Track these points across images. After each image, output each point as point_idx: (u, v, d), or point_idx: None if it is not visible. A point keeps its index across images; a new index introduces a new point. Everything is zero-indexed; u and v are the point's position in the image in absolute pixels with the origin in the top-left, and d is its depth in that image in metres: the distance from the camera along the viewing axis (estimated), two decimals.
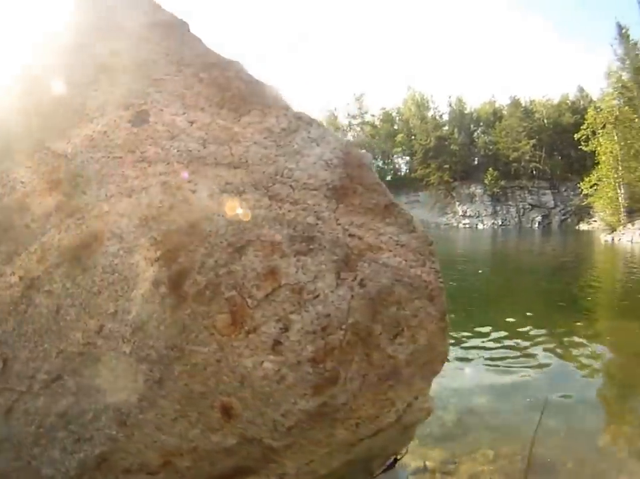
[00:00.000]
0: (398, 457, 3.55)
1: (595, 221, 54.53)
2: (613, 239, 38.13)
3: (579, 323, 10.46)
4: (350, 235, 2.32)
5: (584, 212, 64.00)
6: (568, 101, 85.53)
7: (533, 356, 8.10)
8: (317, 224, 2.29)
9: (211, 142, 2.39)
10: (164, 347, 2.20)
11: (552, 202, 78.34)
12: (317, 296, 2.22)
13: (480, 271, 20.95)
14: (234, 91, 2.58)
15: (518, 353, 8.29)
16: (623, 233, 38.51)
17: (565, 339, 9.09)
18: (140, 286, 2.23)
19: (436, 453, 4.87)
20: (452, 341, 8.42)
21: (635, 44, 52.16)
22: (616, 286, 17.09)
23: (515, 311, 11.69)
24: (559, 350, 8.41)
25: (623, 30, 52.09)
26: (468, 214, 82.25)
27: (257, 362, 2.19)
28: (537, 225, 75.88)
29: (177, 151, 2.36)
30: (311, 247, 2.26)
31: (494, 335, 9.42)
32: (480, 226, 79.16)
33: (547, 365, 7.71)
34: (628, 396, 6.71)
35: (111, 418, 2.25)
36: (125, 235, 2.27)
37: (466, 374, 7.49)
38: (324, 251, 2.26)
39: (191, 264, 2.20)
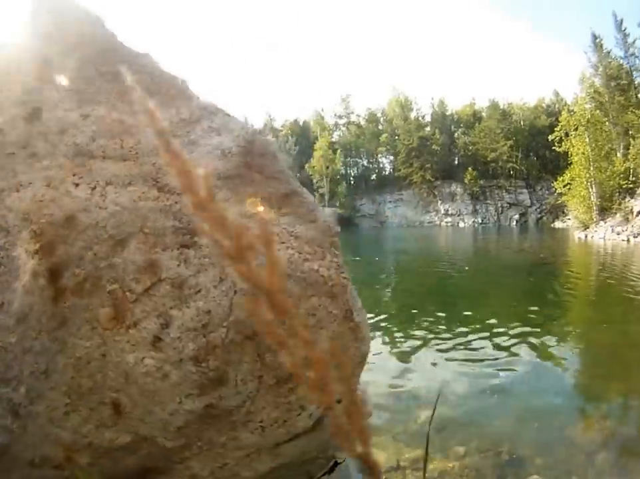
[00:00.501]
0: (339, 461, 3.48)
1: (569, 218, 56.09)
2: (586, 236, 39.40)
3: (554, 318, 10.93)
4: None
5: (559, 210, 65.97)
6: (544, 104, 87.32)
7: (509, 352, 8.28)
8: None
9: (101, 136, 2.31)
10: (47, 339, 2.10)
11: (529, 201, 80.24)
12: (199, 291, 2.13)
13: (466, 268, 21.75)
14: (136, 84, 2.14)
15: (494, 350, 8.46)
16: (595, 230, 40.02)
17: (540, 334, 9.24)
18: (22, 278, 2.13)
19: (408, 451, 4.95)
20: (430, 336, 9.40)
21: (608, 52, 54.52)
22: (589, 281, 17.35)
23: (494, 307, 12.34)
24: (533, 346, 8.56)
25: (597, 40, 54.32)
26: (449, 212, 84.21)
27: (139, 359, 2.10)
28: (514, 223, 77.54)
29: (65, 145, 2.27)
30: (196, 239, 2.16)
31: (472, 331, 9.65)
32: (462, 224, 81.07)
33: (520, 361, 7.85)
34: (599, 389, 6.86)
35: (5, 408, 2.18)
36: (11, 229, 2.19)
37: (441, 371, 7.52)
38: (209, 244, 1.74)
39: (69, 256, 2.10)
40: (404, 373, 7.44)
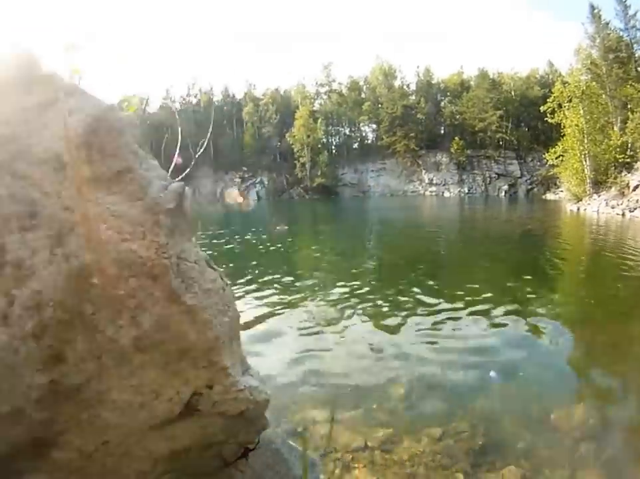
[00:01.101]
0: (250, 447, 3.49)
1: (561, 191, 55.93)
2: (578, 209, 39.21)
3: (542, 291, 10.71)
4: (66, 209, 2.26)
5: (550, 182, 65.61)
6: (537, 75, 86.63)
7: (495, 327, 8.12)
8: (40, 199, 2.23)
9: None
10: None
11: (518, 172, 79.77)
12: (34, 272, 2.19)
13: (452, 238, 21.68)
14: (1, 74, 2.48)
15: (479, 324, 8.29)
16: (588, 203, 39.59)
17: (528, 308, 9.19)
18: None
19: (380, 432, 4.87)
20: (412, 311, 9.20)
21: (607, 24, 53.19)
22: (582, 254, 17.41)
23: (479, 279, 11.87)
24: (520, 320, 8.39)
25: (595, 11, 52.84)
26: (434, 182, 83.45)
27: None
28: (503, 194, 77.32)
29: None
30: (34, 222, 2.21)
31: (456, 305, 9.48)
32: (447, 194, 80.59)
33: (506, 336, 7.73)
34: (589, 367, 6.78)
35: None
36: None
37: (422, 346, 7.36)
38: (42, 227, 2.22)
39: None
40: (385, 348, 7.31)
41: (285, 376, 6.51)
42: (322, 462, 4.42)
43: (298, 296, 10.79)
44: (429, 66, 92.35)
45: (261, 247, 19.91)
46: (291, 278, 12.87)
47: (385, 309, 9.51)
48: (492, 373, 7.52)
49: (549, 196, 63.19)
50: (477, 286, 11.07)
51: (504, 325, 8.30)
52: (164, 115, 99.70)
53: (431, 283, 11.95)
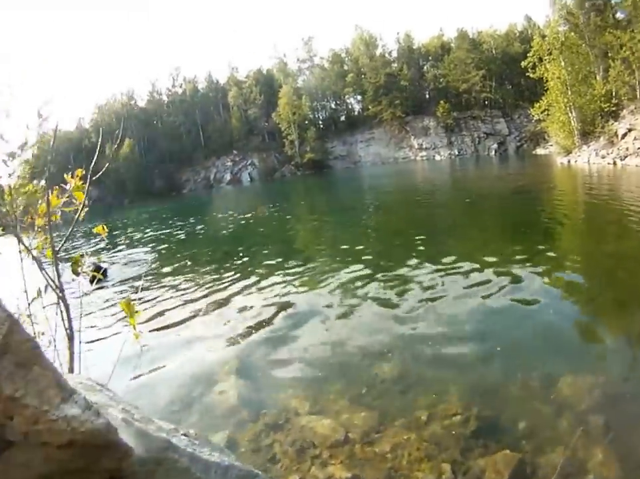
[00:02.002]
0: (120, 474, 3.50)
1: (551, 145, 55.66)
2: (569, 161, 39.44)
3: (540, 250, 10.45)
4: None
5: (539, 137, 65.42)
6: (516, 31, 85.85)
7: (492, 290, 7.89)
8: None
9: None
10: None
11: (506, 130, 79.51)
12: None
13: (467, 200, 21.48)
14: None
15: (476, 288, 8.10)
16: (578, 155, 39.84)
17: (526, 269, 8.97)
18: None
19: (362, 419, 4.67)
20: (408, 276, 9.20)
21: None
22: (575, 207, 17.14)
23: (475, 241, 11.90)
24: (518, 283, 8.23)
25: None
26: (424, 147, 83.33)
27: None
28: (493, 152, 77.27)
29: None
30: None
31: (452, 269, 9.38)
32: (438, 157, 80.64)
33: (504, 301, 7.46)
34: (592, 333, 6.38)
35: None
36: None
37: (416, 316, 7.23)
38: None
39: None
40: (381, 323, 7.15)
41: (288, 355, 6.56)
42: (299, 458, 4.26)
43: (294, 277, 10.93)
44: (409, 31, 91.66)
45: (255, 226, 20.58)
46: (284, 257, 13.11)
47: (382, 281, 9.47)
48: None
49: (539, 151, 63.07)
50: (473, 251, 11.01)
51: (504, 287, 8.08)
52: (153, 108, 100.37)
53: (426, 249, 11.89)
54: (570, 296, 7.93)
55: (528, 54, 46.33)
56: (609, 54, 45.93)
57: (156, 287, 11.65)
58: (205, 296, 10.25)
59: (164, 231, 23.09)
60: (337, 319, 7.78)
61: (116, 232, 28.29)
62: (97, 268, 11.41)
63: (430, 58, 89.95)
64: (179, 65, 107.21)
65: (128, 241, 22.09)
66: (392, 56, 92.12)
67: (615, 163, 33.66)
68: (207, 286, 10.97)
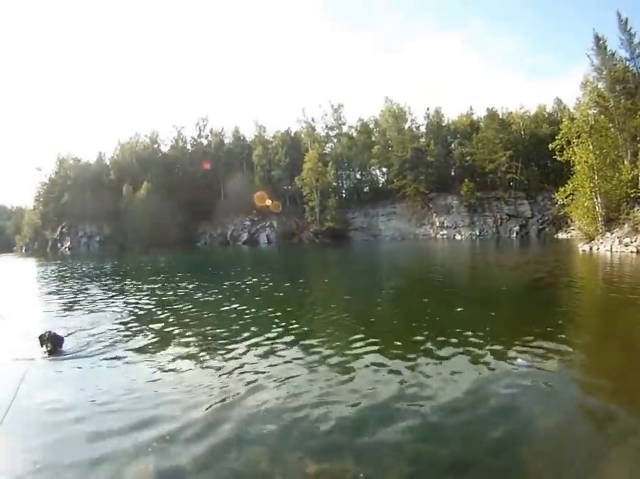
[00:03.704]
0: None
1: (573, 229, 54.33)
2: (591, 249, 37.67)
3: (555, 356, 8.84)
4: None
5: (562, 221, 64.31)
6: (545, 112, 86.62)
7: (500, 397, 6.91)
8: None
9: None
10: None
11: (529, 212, 78.41)
12: None
13: (461, 292, 20.22)
14: None
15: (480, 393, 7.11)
16: (601, 242, 38.04)
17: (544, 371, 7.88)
18: None
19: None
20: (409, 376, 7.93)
21: (612, 54, 52.34)
22: (594, 306, 15.84)
23: (484, 340, 10.16)
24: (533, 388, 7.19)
25: (600, 42, 52.22)
26: (445, 225, 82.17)
27: None
28: (515, 235, 76.02)
29: None
30: None
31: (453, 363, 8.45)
32: (458, 237, 79.22)
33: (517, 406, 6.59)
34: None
35: None
36: None
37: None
38: None
39: None
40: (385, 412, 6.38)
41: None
42: None
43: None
44: (439, 107, 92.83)
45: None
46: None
47: (383, 367, 8.52)
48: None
49: (561, 235, 61.91)
50: (477, 353, 9.41)
51: (516, 392, 7.13)
52: (175, 155, 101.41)
53: (440, 345, 10.13)
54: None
55: (556, 137, 45.28)
56: (638, 138, 44.99)
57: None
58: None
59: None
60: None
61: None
62: (54, 339, 10.23)
63: (458, 135, 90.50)
64: (206, 116, 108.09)
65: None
66: (421, 131, 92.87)
67: (638, 251, 32.25)
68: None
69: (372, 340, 10.18)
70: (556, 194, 47.16)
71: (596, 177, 41.13)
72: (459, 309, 14.80)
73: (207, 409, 6.67)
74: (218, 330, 11.96)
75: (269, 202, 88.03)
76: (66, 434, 5.95)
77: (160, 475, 4.95)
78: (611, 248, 35.57)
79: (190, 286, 22.56)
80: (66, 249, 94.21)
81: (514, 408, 6.44)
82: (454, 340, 9.99)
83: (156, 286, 23.11)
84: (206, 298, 18.17)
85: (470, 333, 10.46)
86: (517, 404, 6.55)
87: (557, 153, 44.47)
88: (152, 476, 4.94)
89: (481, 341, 9.72)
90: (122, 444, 5.57)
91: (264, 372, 8.37)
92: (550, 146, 45.91)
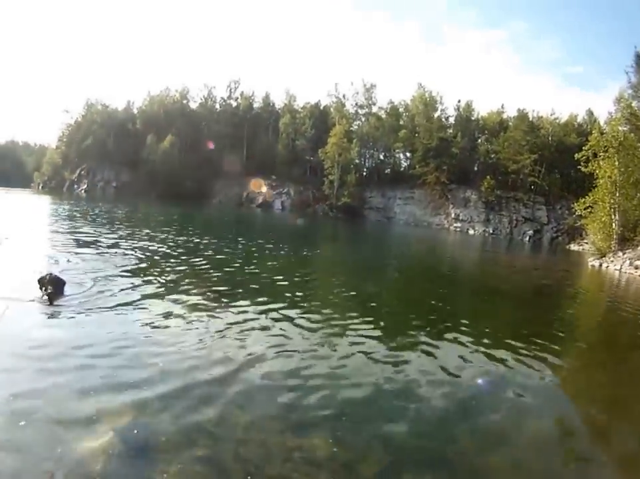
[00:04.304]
0: None
1: (586, 242, 54.04)
2: (600, 265, 37.49)
3: (544, 357, 9.12)
4: None
5: (576, 232, 64.03)
6: (575, 122, 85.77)
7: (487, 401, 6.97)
8: None
9: None
10: None
11: (545, 218, 78.26)
12: None
13: (466, 286, 20.38)
14: None
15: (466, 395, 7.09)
16: (612, 260, 37.81)
17: (528, 376, 8.05)
18: None
19: None
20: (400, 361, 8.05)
21: None
22: (594, 317, 16.24)
23: (481, 335, 10.43)
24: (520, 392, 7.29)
25: None
26: (460, 218, 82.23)
27: None
28: (527, 238, 75.77)
29: None
30: None
31: (446, 364, 8.15)
32: (471, 231, 79.39)
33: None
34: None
35: None
36: None
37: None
38: None
39: None
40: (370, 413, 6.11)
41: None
42: None
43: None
44: (470, 101, 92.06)
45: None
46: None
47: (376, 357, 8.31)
48: (480, 380, 7.23)
49: (573, 247, 61.37)
50: (473, 346, 9.56)
51: (505, 397, 7.23)
52: (203, 112, 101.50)
53: (428, 329, 10.72)
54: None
55: (584, 147, 44.96)
56: None
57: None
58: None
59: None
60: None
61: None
62: (55, 282, 9.48)
63: (486, 132, 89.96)
64: (239, 78, 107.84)
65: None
66: (449, 121, 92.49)
67: None
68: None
69: (365, 326, 10.13)
70: (575, 204, 46.96)
71: (617, 194, 40.94)
72: (460, 303, 15.22)
73: (191, 370, 6.65)
74: (223, 288, 12.16)
75: (264, 189, 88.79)
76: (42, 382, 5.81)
77: (136, 432, 4.92)
78: (621, 268, 35.21)
79: (199, 240, 22.87)
80: (82, 192, 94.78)
81: (487, 413, 6.47)
82: (448, 335, 10.01)
83: (165, 236, 23.49)
84: (217, 256, 18.46)
85: (465, 328, 10.60)
86: (487, 411, 6.57)
87: (582, 163, 44.16)
88: (127, 430, 4.92)
89: (472, 339, 9.73)
90: (99, 402, 5.47)
91: (251, 334, 8.52)
92: (576, 155, 45.53)
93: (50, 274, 9.63)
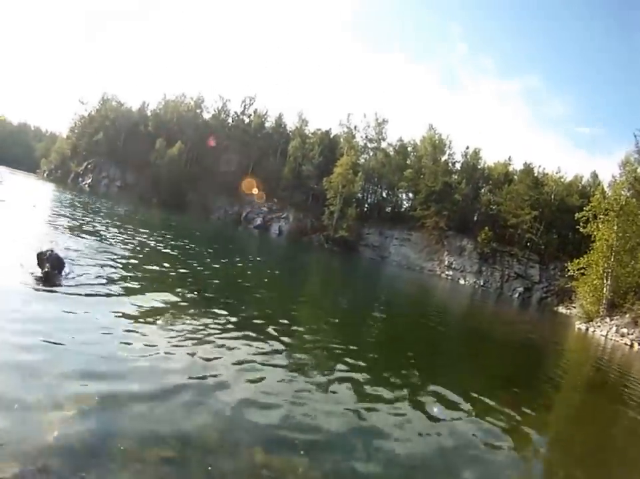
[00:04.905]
0: None
1: (574, 306, 53.51)
2: (587, 329, 37.11)
3: (524, 413, 8.86)
4: None
5: (566, 295, 63.45)
6: (579, 183, 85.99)
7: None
8: None
9: None
10: None
11: (537, 277, 77.63)
12: None
13: (451, 334, 20.06)
14: None
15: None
16: (598, 325, 37.37)
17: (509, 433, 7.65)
18: None
19: None
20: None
21: None
22: (575, 380, 15.82)
23: (461, 388, 9.76)
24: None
25: None
26: (453, 266, 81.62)
27: None
28: (517, 295, 75.27)
29: None
30: None
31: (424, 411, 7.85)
32: (462, 281, 78.62)
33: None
34: None
35: None
36: None
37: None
38: None
39: None
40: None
41: None
42: None
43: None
44: (478, 149, 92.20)
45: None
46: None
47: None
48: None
49: (561, 309, 61.26)
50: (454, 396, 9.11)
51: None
52: (215, 124, 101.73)
53: (409, 377, 10.21)
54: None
55: (585, 208, 44.75)
56: None
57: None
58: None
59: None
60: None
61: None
62: (56, 261, 9.22)
63: (490, 182, 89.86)
64: (254, 95, 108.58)
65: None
66: (455, 167, 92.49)
67: (632, 345, 31.35)
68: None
69: (349, 360, 9.64)
70: (569, 264, 46.58)
71: (612, 259, 40.63)
72: (441, 349, 14.89)
73: (168, 373, 6.45)
74: (213, 295, 11.95)
75: (255, 191, 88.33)
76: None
77: (99, 429, 4.63)
78: (607, 334, 34.88)
79: (198, 249, 22.80)
80: (86, 185, 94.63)
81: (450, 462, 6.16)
82: (429, 385, 9.49)
83: (162, 238, 23.35)
84: (213, 264, 18.40)
85: (442, 377, 10.26)
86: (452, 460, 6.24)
87: (581, 224, 43.95)
88: (92, 427, 4.63)
89: (447, 390, 9.14)
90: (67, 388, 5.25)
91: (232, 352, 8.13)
92: (577, 215, 45.25)
93: (52, 251, 9.34)
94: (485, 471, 6.18)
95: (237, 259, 25.03)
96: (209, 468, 4.48)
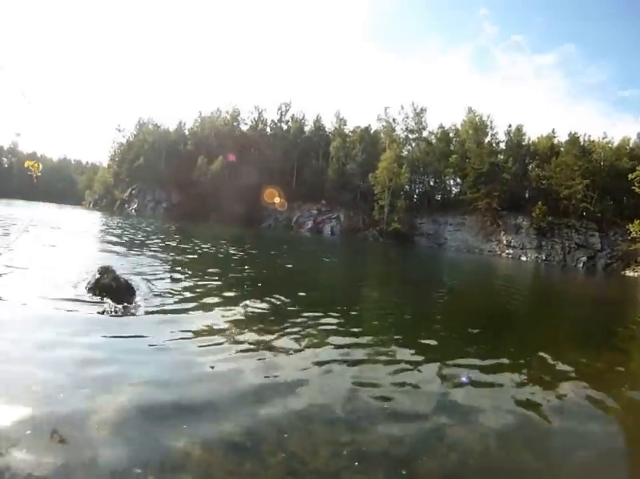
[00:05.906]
0: None
1: None
2: None
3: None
4: None
5: (631, 258, 62.66)
6: (627, 146, 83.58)
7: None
8: None
9: None
10: None
11: (599, 244, 76.05)
12: None
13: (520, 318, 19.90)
14: None
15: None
16: None
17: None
18: None
19: None
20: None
21: None
22: None
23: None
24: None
25: None
26: (512, 244, 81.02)
27: None
28: (581, 265, 74.10)
29: None
30: None
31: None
32: (524, 258, 78.00)
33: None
34: None
35: None
36: None
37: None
38: None
39: None
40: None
41: None
42: None
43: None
44: (520, 126, 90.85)
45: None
46: None
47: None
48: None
49: (628, 273, 60.23)
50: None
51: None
52: (253, 135, 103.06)
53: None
54: None
55: (638, 168, 44.29)
56: None
57: None
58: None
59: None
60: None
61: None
62: (123, 286, 8.47)
63: (537, 157, 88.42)
64: (289, 101, 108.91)
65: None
66: (500, 146, 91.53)
67: None
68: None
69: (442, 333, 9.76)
70: (631, 226, 46.26)
71: None
72: (525, 318, 14.88)
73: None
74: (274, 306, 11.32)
75: (277, 200, 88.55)
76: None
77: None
78: None
79: (254, 259, 23.22)
80: (132, 211, 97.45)
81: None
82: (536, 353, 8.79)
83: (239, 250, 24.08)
84: (271, 274, 18.12)
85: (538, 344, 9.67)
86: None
87: (635, 184, 43.60)
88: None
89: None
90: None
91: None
92: (630, 175, 44.97)
93: (124, 279, 8.68)
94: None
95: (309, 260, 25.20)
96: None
